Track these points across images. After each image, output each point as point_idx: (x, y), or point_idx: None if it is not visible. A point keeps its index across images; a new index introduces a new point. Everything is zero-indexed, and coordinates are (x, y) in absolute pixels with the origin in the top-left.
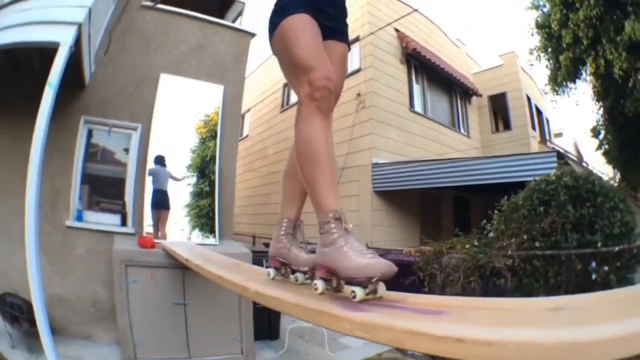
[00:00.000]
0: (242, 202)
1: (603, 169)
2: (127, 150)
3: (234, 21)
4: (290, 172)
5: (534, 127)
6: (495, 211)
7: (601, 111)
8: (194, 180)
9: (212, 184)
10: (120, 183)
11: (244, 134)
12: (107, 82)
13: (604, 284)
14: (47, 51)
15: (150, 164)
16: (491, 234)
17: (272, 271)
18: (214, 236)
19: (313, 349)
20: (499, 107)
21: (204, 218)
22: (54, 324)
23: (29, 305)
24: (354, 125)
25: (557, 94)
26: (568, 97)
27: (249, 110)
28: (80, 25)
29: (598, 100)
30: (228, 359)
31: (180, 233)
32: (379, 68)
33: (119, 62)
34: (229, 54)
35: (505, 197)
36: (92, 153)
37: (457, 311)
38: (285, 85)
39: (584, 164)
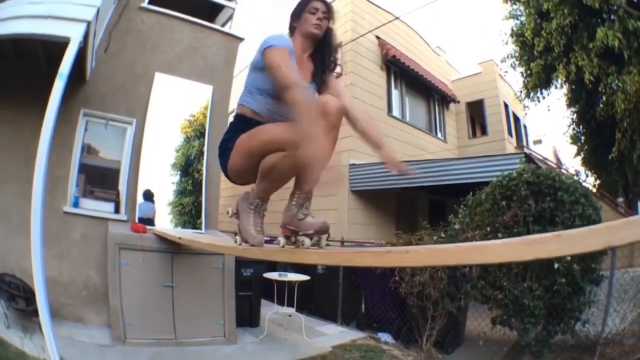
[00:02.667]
0: (226, 201)
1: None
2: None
3: (223, 25)
4: None
5: (510, 134)
6: (461, 205)
7: (574, 116)
8: (177, 178)
9: (195, 183)
10: (114, 174)
11: None
12: (107, 78)
13: (567, 273)
14: (52, 45)
15: (144, 157)
16: (456, 227)
17: (282, 240)
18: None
19: (291, 335)
20: (477, 114)
21: (186, 215)
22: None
23: (26, 286)
24: None
25: (530, 101)
26: (538, 102)
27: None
28: (89, 23)
29: (569, 106)
30: (211, 341)
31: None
32: (359, 74)
33: (117, 59)
34: (219, 57)
35: (471, 193)
36: (89, 145)
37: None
38: None
39: (564, 170)
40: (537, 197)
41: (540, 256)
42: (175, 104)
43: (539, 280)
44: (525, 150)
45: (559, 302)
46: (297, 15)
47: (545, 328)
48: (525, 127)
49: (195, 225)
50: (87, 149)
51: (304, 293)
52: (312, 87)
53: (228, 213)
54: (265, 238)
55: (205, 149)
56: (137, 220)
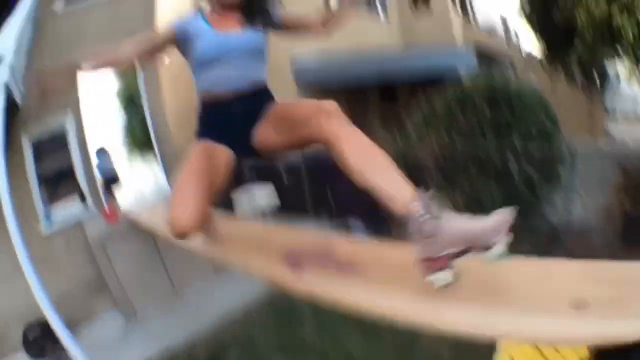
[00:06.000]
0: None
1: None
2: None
3: None
4: None
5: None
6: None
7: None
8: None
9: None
10: (69, 171)
11: None
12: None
13: (527, 182)
14: None
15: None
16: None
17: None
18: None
19: None
20: None
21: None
22: (67, 321)
23: (44, 329)
24: None
25: None
26: None
27: None
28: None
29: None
30: (205, 281)
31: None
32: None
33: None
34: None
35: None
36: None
37: None
38: None
39: (513, 37)
40: (491, 105)
41: None
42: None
43: (499, 184)
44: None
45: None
46: None
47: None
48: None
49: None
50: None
51: None
52: (256, 33)
53: None
54: None
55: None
56: (102, 178)
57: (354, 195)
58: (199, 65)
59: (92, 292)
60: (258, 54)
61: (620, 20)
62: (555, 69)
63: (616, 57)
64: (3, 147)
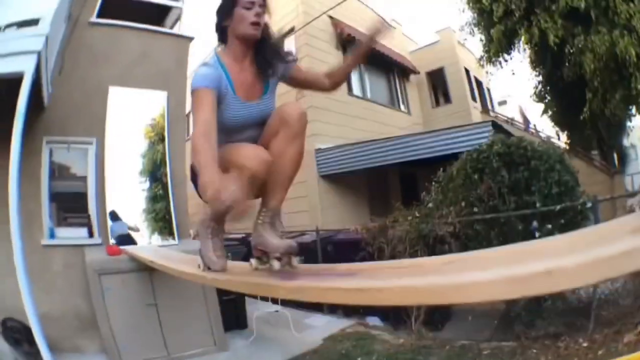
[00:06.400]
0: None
1: (551, 131)
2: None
3: (172, 26)
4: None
5: (474, 99)
6: (433, 182)
7: (540, 78)
8: (147, 185)
9: (164, 187)
10: (82, 197)
11: None
12: (63, 100)
13: None
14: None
15: (109, 173)
16: (430, 205)
17: (254, 261)
18: (173, 237)
19: (280, 332)
20: (439, 82)
21: (161, 222)
22: (48, 341)
23: (25, 327)
24: None
25: (492, 66)
26: (501, 67)
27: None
28: (39, 53)
29: (534, 68)
30: (204, 352)
31: (140, 238)
32: (314, 56)
33: (71, 79)
34: (171, 60)
35: (442, 170)
36: (55, 171)
37: (368, 272)
38: None
39: (531, 129)
40: (509, 168)
41: (528, 294)
42: (133, 114)
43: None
44: (492, 114)
45: None
46: (227, 12)
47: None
48: (488, 90)
49: (172, 231)
50: (54, 176)
51: None
52: (270, 86)
53: (191, 235)
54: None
55: (167, 154)
56: (114, 239)
57: None
58: (222, 128)
59: (82, 325)
60: (267, 118)
61: (623, 43)
62: (574, 150)
63: (628, 105)
64: (20, 134)
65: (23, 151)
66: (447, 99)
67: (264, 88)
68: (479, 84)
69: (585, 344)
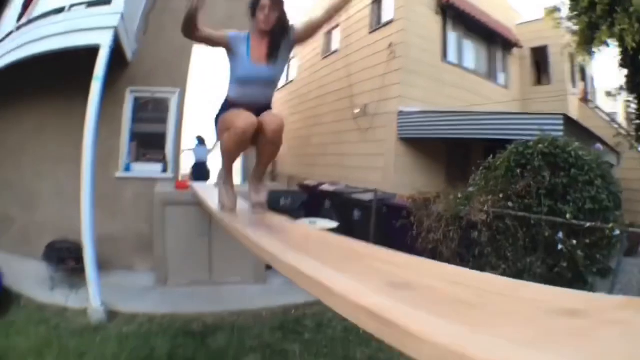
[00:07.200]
0: (286, 143)
1: None
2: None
3: None
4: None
5: (574, 84)
6: (481, 167)
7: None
8: None
9: None
10: (161, 138)
11: (289, 79)
12: (148, 57)
13: (571, 258)
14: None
15: (186, 121)
16: (471, 189)
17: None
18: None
19: None
20: (542, 60)
21: None
22: (101, 259)
23: (76, 246)
24: (385, 74)
25: (581, 56)
26: (591, 57)
27: (294, 56)
28: (116, 29)
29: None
30: (242, 281)
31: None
32: (411, 19)
33: (158, 39)
34: None
35: (491, 156)
36: (139, 114)
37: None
38: (327, 33)
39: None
40: (552, 170)
41: None
42: (213, 71)
43: (543, 259)
44: (590, 105)
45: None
46: (251, 13)
47: None
48: (592, 78)
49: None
50: (138, 119)
51: None
52: (276, 67)
53: None
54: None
55: None
56: (192, 168)
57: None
58: (233, 79)
59: (139, 246)
60: (272, 83)
61: None
62: None
63: None
64: (100, 91)
65: (106, 99)
66: (548, 80)
67: (275, 57)
68: (583, 71)
69: None
